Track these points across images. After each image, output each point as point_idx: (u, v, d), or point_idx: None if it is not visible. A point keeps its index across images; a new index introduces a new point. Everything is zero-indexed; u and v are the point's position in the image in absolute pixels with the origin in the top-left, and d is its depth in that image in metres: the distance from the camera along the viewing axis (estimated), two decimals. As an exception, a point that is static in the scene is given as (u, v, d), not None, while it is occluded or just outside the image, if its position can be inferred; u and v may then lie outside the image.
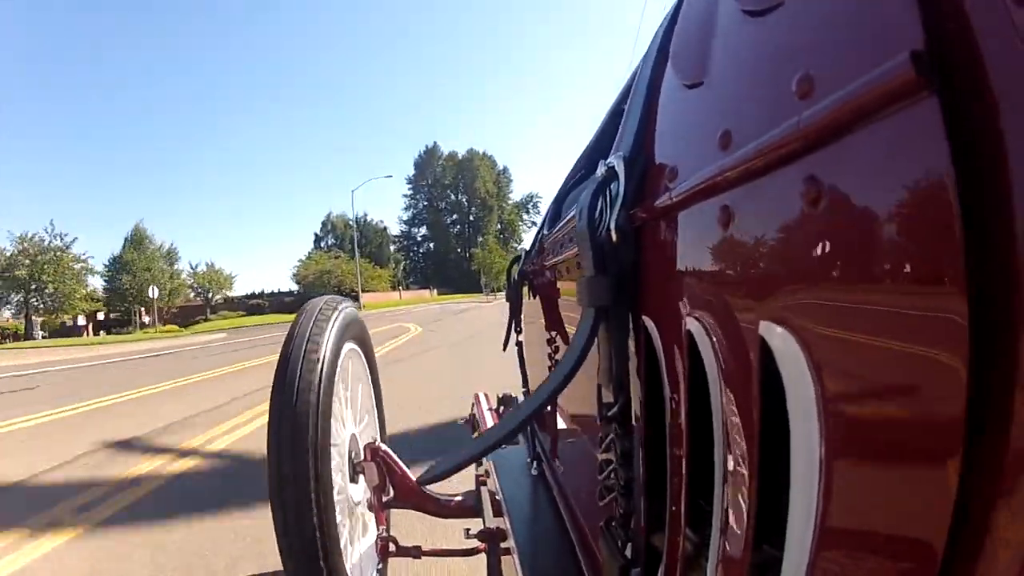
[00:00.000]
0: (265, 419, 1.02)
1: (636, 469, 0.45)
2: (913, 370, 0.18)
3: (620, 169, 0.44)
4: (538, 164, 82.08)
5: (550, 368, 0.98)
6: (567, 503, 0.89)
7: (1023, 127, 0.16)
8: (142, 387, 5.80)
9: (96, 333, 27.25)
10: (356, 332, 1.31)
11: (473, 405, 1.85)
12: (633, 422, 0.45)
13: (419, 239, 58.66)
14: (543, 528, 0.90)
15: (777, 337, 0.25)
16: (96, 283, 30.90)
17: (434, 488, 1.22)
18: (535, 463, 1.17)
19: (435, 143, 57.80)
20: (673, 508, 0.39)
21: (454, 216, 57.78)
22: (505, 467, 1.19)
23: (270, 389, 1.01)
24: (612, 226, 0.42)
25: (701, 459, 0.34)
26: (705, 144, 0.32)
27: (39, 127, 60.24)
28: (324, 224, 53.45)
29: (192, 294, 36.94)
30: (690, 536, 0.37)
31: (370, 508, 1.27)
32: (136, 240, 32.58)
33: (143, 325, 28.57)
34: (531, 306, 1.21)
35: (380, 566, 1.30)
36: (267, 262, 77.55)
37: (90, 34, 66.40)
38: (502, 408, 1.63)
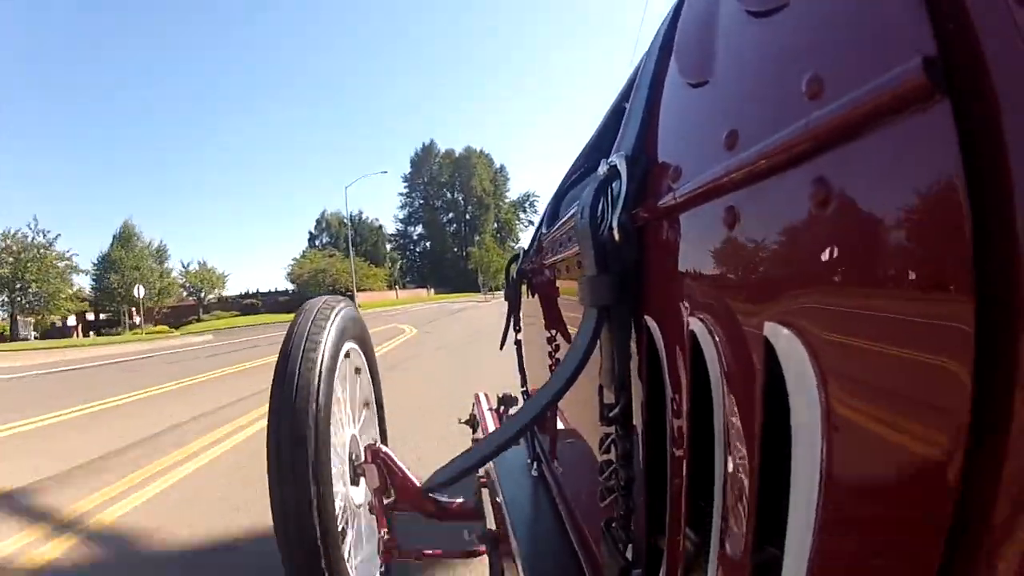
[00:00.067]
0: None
1: (637, 470, 0.45)
2: (918, 373, 0.18)
3: (622, 168, 0.44)
4: (536, 163, 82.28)
5: (550, 367, 0.97)
6: (567, 504, 0.89)
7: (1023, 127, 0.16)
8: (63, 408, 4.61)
9: (86, 334, 26.88)
10: (356, 332, 1.30)
11: (473, 405, 1.84)
12: (634, 423, 0.45)
13: (415, 238, 58.59)
14: (544, 529, 0.90)
15: (781, 338, 0.25)
16: (84, 283, 30.37)
17: None
18: (535, 464, 1.17)
19: (432, 140, 58.05)
20: (674, 509, 0.39)
21: (451, 215, 57.70)
22: (505, 468, 1.18)
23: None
24: (614, 225, 0.42)
25: (702, 460, 0.34)
26: (710, 144, 0.32)
27: (37, 127, 59.73)
28: (319, 222, 53.27)
29: (185, 293, 36.58)
30: (691, 537, 0.37)
31: (371, 511, 1.27)
32: (124, 238, 31.84)
33: (133, 326, 28.09)
34: (530, 305, 1.21)
35: (383, 569, 1.29)
36: (262, 261, 77.34)
37: (88, 34, 65.87)
38: (502, 408, 1.62)
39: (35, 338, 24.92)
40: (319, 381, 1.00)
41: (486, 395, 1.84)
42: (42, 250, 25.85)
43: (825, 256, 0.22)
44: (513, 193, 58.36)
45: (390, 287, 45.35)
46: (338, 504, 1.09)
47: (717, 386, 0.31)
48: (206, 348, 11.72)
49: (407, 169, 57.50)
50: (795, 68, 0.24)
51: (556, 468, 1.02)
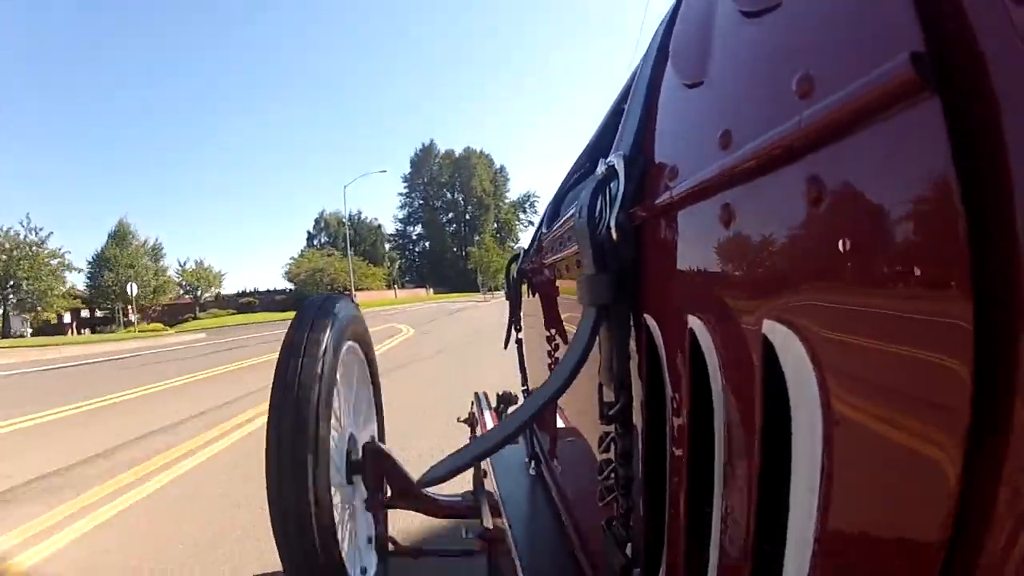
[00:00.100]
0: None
1: (637, 468, 0.45)
2: (917, 370, 0.18)
3: (620, 168, 0.44)
4: (536, 163, 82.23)
5: (550, 366, 0.98)
6: (566, 503, 0.89)
7: (1023, 127, 0.16)
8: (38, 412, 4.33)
9: (80, 331, 26.69)
10: (356, 330, 1.30)
11: (472, 404, 1.84)
12: (634, 421, 0.45)
13: (415, 237, 58.45)
14: (542, 528, 0.89)
15: (780, 336, 0.25)
16: (79, 280, 30.18)
17: (432, 488, 1.22)
18: (533, 463, 1.17)
19: (431, 140, 57.85)
20: (674, 507, 0.39)
21: (450, 215, 57.56)
22: (503, 467, 1.18)
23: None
24: (612, 224, 0.42)
25: (702, 458, 0.34)
26: (705, 143, 0.32)
27: (37, 127, 59.58)
28: (317, 222, 53.13)
29: (181, 291, 36.43)
30: (691, 536, 0.37)
31: (368, 508, 1.27)
32: (119, 236, 31.70)
33: (128, 323, 27.91)
34: (530, 304, 1.21)
35: (379, 566, 1.30)
36: (261, 261, 77.26)
37: (88, 34, 65.57)
38: (502, 406, 1.62)
39: (30, 335, 24.82)
40: (320, 379, 1.00)
41: (485, 394, 1.84)
42: (34, 248, 25.73)
43: (820, 253, 0.23)
44: (513, 193, 58.50)
45: (388, 287, 45.24)
46: (336, 501, 1.09)
47: (716, 384, 0.31)
48: (195, 348, 11.46)
49: (407, 169, 57.57)
50: (787, 67, 0.25)
51: (554, 467, 1.02)
